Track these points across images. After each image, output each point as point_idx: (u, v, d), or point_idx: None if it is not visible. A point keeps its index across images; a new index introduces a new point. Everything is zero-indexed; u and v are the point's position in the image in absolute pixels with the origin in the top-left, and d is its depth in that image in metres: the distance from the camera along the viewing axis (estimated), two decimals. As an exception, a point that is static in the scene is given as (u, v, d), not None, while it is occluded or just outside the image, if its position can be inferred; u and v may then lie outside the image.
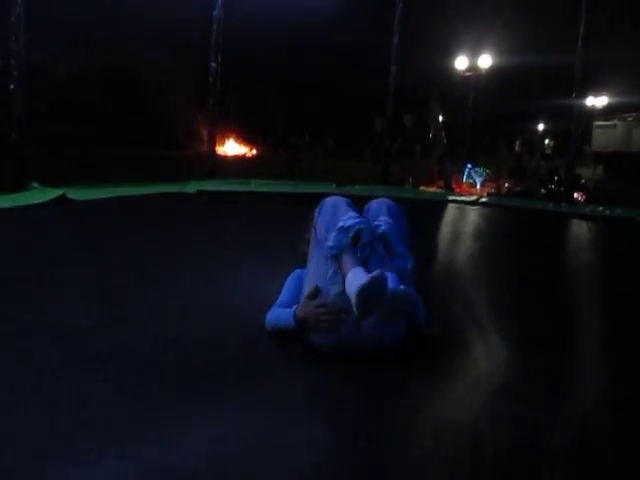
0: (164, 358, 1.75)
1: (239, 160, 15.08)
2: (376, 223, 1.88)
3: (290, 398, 1.53)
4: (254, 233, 3.75)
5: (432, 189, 9.42)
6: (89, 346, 1.80)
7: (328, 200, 1.94)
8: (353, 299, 1.61)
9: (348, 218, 1.80)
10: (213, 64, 6.92)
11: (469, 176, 11.38)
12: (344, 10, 9.95)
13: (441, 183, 10.10)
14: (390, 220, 1.90)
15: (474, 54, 13.95)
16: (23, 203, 4.25)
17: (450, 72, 13.79)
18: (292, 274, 2.04)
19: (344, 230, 1.77)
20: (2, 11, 5.14)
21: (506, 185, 11.54)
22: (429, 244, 3.87)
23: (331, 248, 1.75)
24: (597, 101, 19.20)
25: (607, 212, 5.97)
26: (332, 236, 1.76)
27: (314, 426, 1.39)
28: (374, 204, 2.03)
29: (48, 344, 1.79)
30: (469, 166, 11.46)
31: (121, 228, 3.79)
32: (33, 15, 5.28)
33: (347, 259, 1.73)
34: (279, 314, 1.88)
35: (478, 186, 11.20)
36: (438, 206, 6.14)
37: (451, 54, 13.93)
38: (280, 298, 1.97)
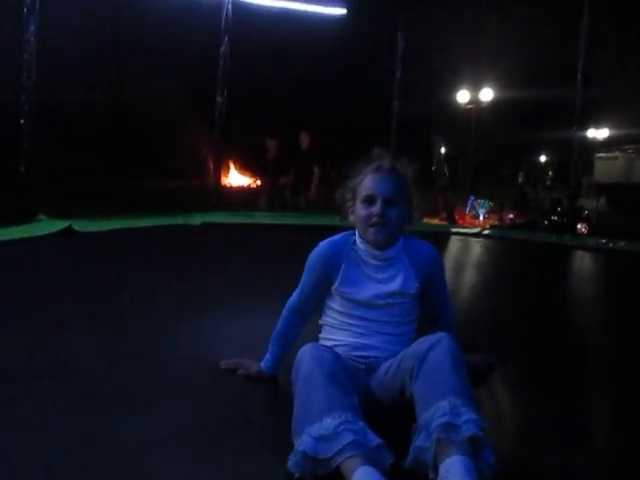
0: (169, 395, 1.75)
1: (243, 191, 15.17)
2: (448, 420, 1.30)
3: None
4: (258, 266, 3.77)
5: (435, 221, 9.47)
6: (85, 380, 1.80)
7: (304, 365, 1.47)
8: None
9: (319, 429, 1.31)
10: (219, 99, 7.04)
11: (472, 208, 11.44)
12: (347, 43, 10.15)
13: (444, 215, 10.16)
14: (473, 410, 1.33)
15: (475, 87, 14.17)
16: (29, 235, 4.29)
17: (452, 105, 13.98)
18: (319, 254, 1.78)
19: (307, 457, 1.29)
20: (14, 47, 5.29)
21: (509, 217, 11.59)
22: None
23: (290, 467, 1.31)
24: (598, 133, 19.39)
25: (611, 245, 5.98)
26: (293, 455, 1.32)
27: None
28: (427, 351, 1.46)
29: (49, 379, 1.80)
30: (472, 198, 11.54)
31: (124, 260, 3.81)
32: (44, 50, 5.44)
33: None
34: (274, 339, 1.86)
35: (481, 218, 11.24)
36: (441, 238, 6.16)
37: (453, 87, 14.14)
38: (302, 284, 1.83)
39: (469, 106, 13.90)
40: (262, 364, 1.86)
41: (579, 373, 2.23)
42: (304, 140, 7.82)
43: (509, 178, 16.02)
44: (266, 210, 7.76)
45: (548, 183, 22.07)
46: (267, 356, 1.86)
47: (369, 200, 1.71)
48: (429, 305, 1.84)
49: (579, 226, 8.96)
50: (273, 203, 8.16)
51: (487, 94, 14.03)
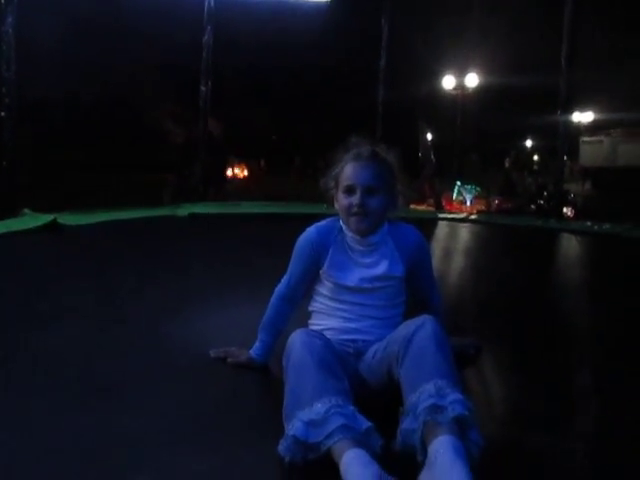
0: (162, 382, 1.75)
1: (231, 182, 15.12)
2: (433, 402, 1.31)
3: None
4: (246, 256, 3.76)
5: (422, 208, 9.49)
6: (75, 373, 1.80)
7: (295, 351, 1.47)
8: None
9: (309, 414, 1.31)
10: (203, 88, 6.99)
11: (459, 194, 11.48)
12: (332, 32, 10.11)
13: (431, 202, 10.19)
14: (458, 391, 1.35)
15: (461, 73, 14.16)
16: (14, 229, 4.25)
17: (438, 91, 13.97)
18: (307, 239, 1.78)
19: (297, 441, 1.30)
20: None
21: (496, 202, 11.65)
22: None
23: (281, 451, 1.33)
24: (583, 117, 19.50)
25: (595, 228, 6.04)
26: (284, 440, 1.32)
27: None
28: (411, 334, 1.47)
29: (31, 369, 1.79)
30: (459, 184, 11.57)
31: (112, 253, 3.79)
32: (25, 42, 5.37)
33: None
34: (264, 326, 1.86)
35: (468, 204, 11.29)
36: (428, 224, 6.18)
37: (438, 73, 14.12)
38: (290, 271, 1.84)
39: (455, 92, 13.88)
40: (252, 352, 1.86)
41: (565, 356, 2.25)
42: (214, 127, 7.08)
43: (481, 163, 15.95)
44: (170, 205, 6.39)
45: (535, 168, 22.19)
46: (257, 344, 1.87)
47: (349, 190, 1.72)
48: (416, 289, 1.85)
49: (565, 210, 9.03)
50: (177, 196, 6.95)
51: (473, 80, 14.03)
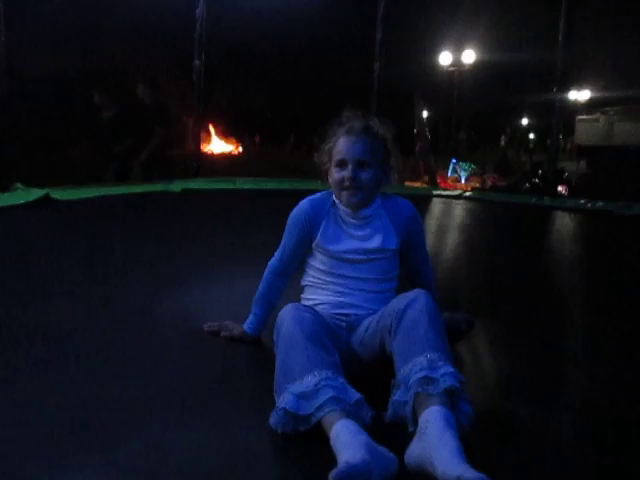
0: (150, 357, 1.76)
1: (225, 158, 15.03)
2: (425, 373, 1.32)
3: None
4: (240, 231, 3.76)
5: (417, 184, 9.48)
6: (71, 346, 1.80)
7: (285, 326, 1.48)
8: None
9: (300, 387, 1.32)
10: (197, 62, 6.90)
11: (454, 171, 11.46)
12: (328, 6, 9.95)
13: (426, 178, 10.17)
14: (450, 364, 1.36)
15: (458, 49, 14.02)
16: (6, 204, 4.22)
17: (434, 68, 13.83)
18: (300, 214, 1.78)
19: (288, 414, 1.32)
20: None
21: (490, 180, 11.64)
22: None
23: (272, 423, 1.35)
24: (580, 95, 19.39)
25: (589, 205, 6.05)
26: (274, 413, 1.34)
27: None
28: (404, 308, 1.48)
29: (20, 341, 1.80)
30: (454, 161, 11.55)
31: (103, 227, 3.78)
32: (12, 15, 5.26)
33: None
34: (257, 299, 1.87)
35: (463, 181, 11.28)
36: (423, 200, 6.18)
37: (435, 49, 13.96)
38: (283, 244, 1.84)
39: (451, 68, 13.77)
40: (245, 326, 1.87)
41: (557, 331, 2.27)
42: (143, 93, 6.05)
43: (470, 141, 15.90)
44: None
45: (531, 146, 22.16)
46: (250, 318, 1.88)
47: (341, 164, 1.72)
48: (409, 262, 1.86)
49: (560, 189, 9.03)
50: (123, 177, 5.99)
51: (469, 56, 13.91)
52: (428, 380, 1.32)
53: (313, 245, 1.78)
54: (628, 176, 9.20)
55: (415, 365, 1.36)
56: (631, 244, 4.20)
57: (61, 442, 1.27)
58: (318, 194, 1.82)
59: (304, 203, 1.80)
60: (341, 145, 1.72)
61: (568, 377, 1.88)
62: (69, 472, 1.17)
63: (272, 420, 1.34)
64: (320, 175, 1.83)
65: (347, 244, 1.75)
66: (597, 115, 17.14)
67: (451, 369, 1.34)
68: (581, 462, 1.32)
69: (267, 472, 1.26)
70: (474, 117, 16.22)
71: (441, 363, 1.35)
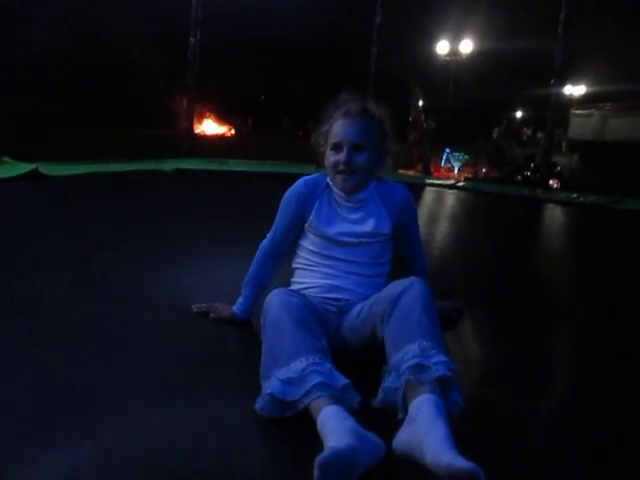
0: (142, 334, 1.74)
1: (218, 139, 14.93)
2: (417, 361, 1.31)
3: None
4: (231, 212, 3.73)
5: (411, 172, 9.46)
6: (56, 325, 1.77)
7: (272, 310, 1.45)
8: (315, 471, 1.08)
9: (287, 372, 1.31)
10: (192, 39, 6.81)
11: (447, 161, 11.45)
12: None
13: (420, 167, 10.15)
14: (442, 352, 1.35)
15: (455, 38, 13.94)
16: (-6, 177, 4.15)
17: (431, 56, 13.76)
18: (294, 194, 1.76)
19: (274, 399, 1.30)
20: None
21: (483, 170, 11.64)
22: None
23: (258, 409, 1.33)
24: (575, 90, 19.38)
25: (581, 199, 6.06)
26: (260, 398, 1.33)
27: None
28: (398, 295, 1.46)
29: (11, 316, 1.76)
30: (448, 151, 11.54)
31: (93, 205, 3.73)
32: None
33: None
34: (248, 281, 1.85)
35: (456, 171, 11.28)
36: (416, 189, 6.16)
37: (433, 38, 13.88)
38: (276, 224, 1.82)
39: (448, 58, 13.70)
40: (235, 308, 1.85)
41: (547, 321, 2.27)
42: None
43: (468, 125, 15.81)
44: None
45: (524, 139, 22.16)
46: (240, 299, 1.85)
47: (336, 147, 1.69)
48: (402, 248, 1.84)
49: (551, 182, 9.04)
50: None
51: (467, 46, 13.84)
52: (420, 368, 1.31)
53: (305, 226, 1.75)
54: (621, 171, 9.23)
55: (408, 352, 1.34)
56: (621, 237, 4.22)
57: (45, 423, 1.24)
58: (313, 175, 1.79)
59: (299, 183, 1.78)
60: (337, 128, 1.69)
61: (556, 366, 1.87)
62: (53, 453, 1.14)
63: (258, 405, 1.32)
64: (317, 157, 1.80)
65: (340, 226, 1.72)
66: (591, 110, 17.15)
67: (444, 358, 1.33)
68: (569, 450, 1.32)
69: (253, 457, 1.24)
70: (469, 106, 16.16)
71: (434, 351, 1.33)
